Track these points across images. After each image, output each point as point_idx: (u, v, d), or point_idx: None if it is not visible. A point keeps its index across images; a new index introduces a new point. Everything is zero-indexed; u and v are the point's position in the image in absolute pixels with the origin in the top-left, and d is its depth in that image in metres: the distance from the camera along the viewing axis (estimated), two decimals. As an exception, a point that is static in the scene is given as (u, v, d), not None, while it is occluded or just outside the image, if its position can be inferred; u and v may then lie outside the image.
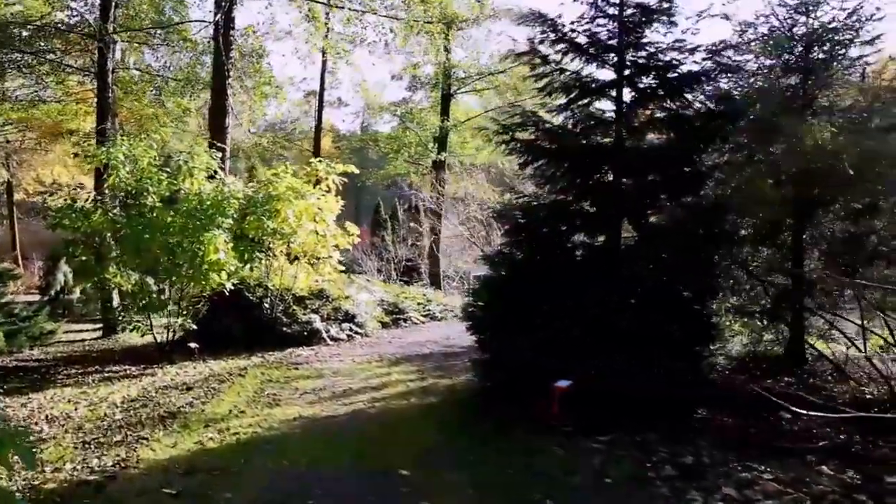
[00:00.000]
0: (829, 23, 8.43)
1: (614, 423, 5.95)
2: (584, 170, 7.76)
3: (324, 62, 24.48)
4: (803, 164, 7.77)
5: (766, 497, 4.43)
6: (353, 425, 6.20)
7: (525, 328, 6.74)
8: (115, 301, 12.80)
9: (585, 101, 7.86)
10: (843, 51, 8.54)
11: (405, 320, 14.59)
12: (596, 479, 4.71)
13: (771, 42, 8.65)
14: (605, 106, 7.92)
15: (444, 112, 23.37)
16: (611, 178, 7.52)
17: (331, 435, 5.89)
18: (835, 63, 8.58)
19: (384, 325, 13.79)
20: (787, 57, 8.68)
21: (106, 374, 9.08)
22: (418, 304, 15.62)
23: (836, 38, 8.45)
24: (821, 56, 8.66)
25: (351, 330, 12.30)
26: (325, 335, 11.69)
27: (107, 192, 10.63)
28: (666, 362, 6.40)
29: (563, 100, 7.92)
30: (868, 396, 7.07)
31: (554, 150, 7.70)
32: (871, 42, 8.39)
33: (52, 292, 16.07)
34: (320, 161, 12.57)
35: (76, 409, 7.01)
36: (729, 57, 8.47)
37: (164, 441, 5.71)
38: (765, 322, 8.61)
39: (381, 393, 7.63)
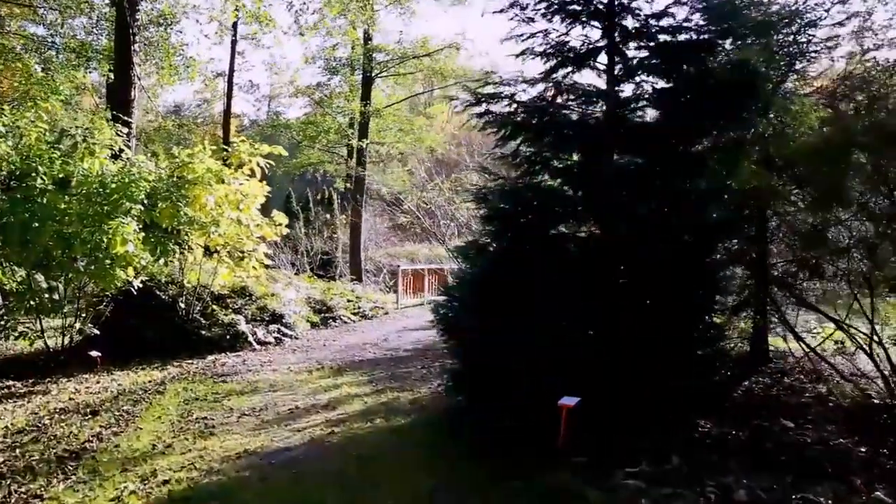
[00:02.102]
0: (793, 3, 7.93)
1: (627, 446, 5.05)
2: (568, 149, 6.83)
3: (234, 42, 22.60)
4: (764, 149, 7.20)
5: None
6: (316, 464, 4.92)
7: (512, 333, 5.72)
8: (-2, 301, 10.90)
9: (568, 70, 6.92)
10: (810, 32, 8.03)
11: (334, 319, 13.27)
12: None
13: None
14: (590, 78, 7.02)
15: (366, 97, 21.95)
16: (599, 160, 6.58)
17: (292, 480, 4.60)
18: (800, 45, 8.08)
19: (313, 326, 12.44)
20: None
21: (-17, 394, 7.43)
22: (348, 301, 14.32)
23: (802, 19, 7.93)
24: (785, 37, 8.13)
25: (279, 332, 10.91)
26: (251, 339, 10.27)
27: (-17, 171, 8.80)
28: (667, 370, 5.59)
29: (542, 68, 6.95)
30: (875, 400, 6.57)
31: (534, 125, 6.71)
32: (840, 24, 7.96)
33: (-85, 292, 13.71)
34: (242, 141, 11.09)
35: (-60, 449, 5.44)
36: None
37: (67, 498, 4.27)
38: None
39: (336, 413, 6.38)
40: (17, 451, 5.30)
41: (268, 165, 11.19)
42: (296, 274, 17.98)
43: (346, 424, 5.97)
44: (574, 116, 6.90)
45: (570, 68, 6.89)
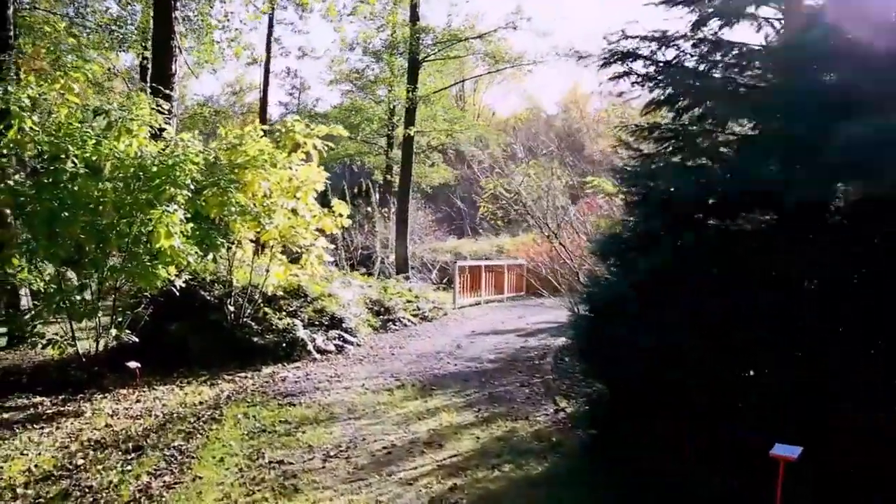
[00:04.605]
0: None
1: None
2: (737, 117, 5.39)
3: (270, 27, 21.38)
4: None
5: None
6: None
7: (691, 355, 4.28)
8: (26, 302, 9.66)
9: (721, 22, 5.51)
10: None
11: (394, 322, 11.90)
12: None
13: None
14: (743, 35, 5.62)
15: (412, 81, 20.40)
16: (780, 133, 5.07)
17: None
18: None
19: (374, 330, 11.09)
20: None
21: (4, 415, 6.17)
22: (407, 301, 12.93)
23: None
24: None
25: (340, 338, 9.53)
26: (310, 347, 8.89)
27: (4, 151, 7.50)
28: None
29: (692, 17, 5.53)
30: None
31: (698, 88, 5.29)
32: None
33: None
34: (297, 121, 9.70)
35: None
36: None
37: None
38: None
39: (446, 454, 4.96)
40: (41, 513, 3.97)
41: (325, 148, 9.80)
42: (339, 270, 16.66)
43: (466, 474, 4.54)
44: (741, 80, 5.48)
45: (722, 21, 5.48)
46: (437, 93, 23.12)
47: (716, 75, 5.58)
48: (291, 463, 4.76)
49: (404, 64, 21.46)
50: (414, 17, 20.08)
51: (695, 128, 5.62)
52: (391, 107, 23.82)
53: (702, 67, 5.59)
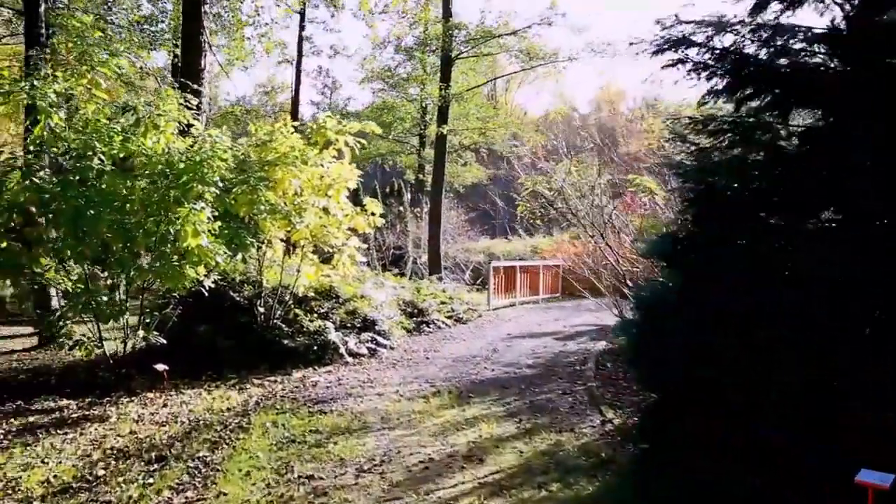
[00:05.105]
0: None
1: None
2: (797, 109, 4.96)
3: (301, 26, 21.17)
4: None
5: None
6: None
7: (753, 365, 3.88)
8: (56, 302, 9.54)
9: (781, 6, 5.08)
10: None
11: (428, 324, 11.57)
12: None
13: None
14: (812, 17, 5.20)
15: (445, 79, 19.98)
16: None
17: None
18: None
19: (407, 332, 10.76)
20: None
21: (29, 419, 5.99)
22: (441, 303, 12.58)
23: None
24: None
25: (373, 341, 9.21)
26: (342, 350, 8.59)
27: (31, 147, 7.33)
28: None
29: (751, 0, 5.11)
30: None
31: (755, 75, 4.86)
32: None
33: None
34: (329, 117, 9.40)
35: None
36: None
37: None
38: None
39: (487, 471, 4.59)
40: (55, 532, 3.70)
41: (357, 146, 9.49)
42: (371, 270, 16.38)
43: (511, 493, 4.16)
44: (806, 68, 5.05)
45: (783, 4, 5.05)
46: (470, 91, 22.68)
47: (778, 63, 5.17)
48: (322, 478, 4.44)
49: (436, 61, 21.10)
50: (446, 14, 19.68)
51: (753, 119, 5.20)
52: (423, 105, 23.53)
53: (762, 54, 5.18)
